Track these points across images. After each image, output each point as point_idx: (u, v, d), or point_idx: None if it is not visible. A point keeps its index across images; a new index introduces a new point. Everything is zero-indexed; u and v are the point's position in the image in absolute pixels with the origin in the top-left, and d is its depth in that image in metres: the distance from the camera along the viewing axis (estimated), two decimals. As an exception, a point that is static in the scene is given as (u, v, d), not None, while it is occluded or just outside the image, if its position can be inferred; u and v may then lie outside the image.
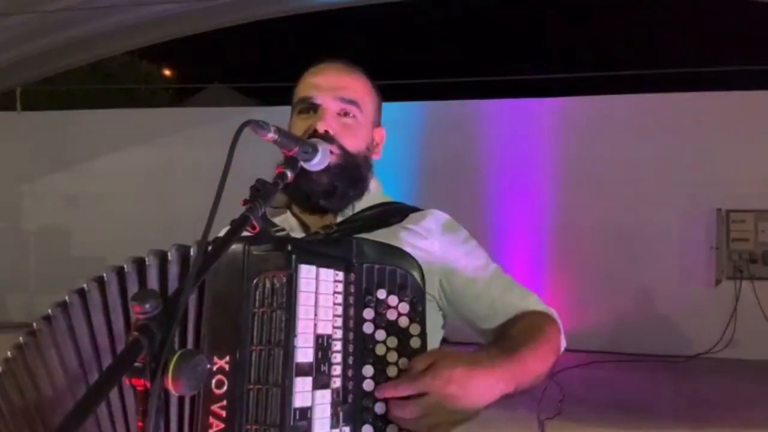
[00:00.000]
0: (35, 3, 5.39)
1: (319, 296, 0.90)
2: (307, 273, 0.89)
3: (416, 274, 0.98)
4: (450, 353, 0.94)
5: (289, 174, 0.98)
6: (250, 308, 0.88)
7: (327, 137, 1.14)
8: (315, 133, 1.14)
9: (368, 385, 0.92)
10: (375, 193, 1.26)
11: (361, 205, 1.22)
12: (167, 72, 19.96)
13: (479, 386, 0.91)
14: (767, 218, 5.71)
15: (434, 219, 1.21)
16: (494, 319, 1.15)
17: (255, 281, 0.88)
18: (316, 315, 0.90)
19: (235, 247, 0.89)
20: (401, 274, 0.97)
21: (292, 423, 0.84)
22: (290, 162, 1.00)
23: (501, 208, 6.07)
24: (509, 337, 1.07)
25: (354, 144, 1.18)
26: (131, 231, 5.47)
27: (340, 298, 0.94)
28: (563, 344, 1.16)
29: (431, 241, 1.16)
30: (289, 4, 6.26)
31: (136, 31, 6.35)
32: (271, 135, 0.97)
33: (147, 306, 0.70)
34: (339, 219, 1.20)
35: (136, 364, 0.67)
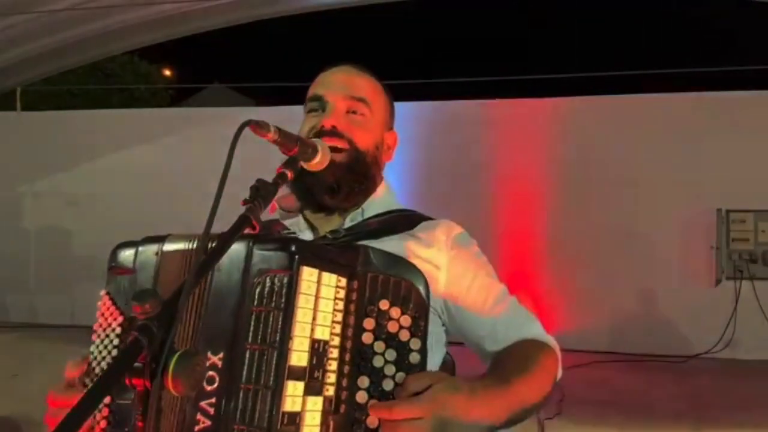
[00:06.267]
0: (35, 3, 5.39)
1: (320, 300, 0.89)
2: (308, 275, 0.87)
3: (422, 289, 0.95)
4: (447, 377, 0.92)
5: (289, 174, 0.98)
6: (248, 306, 0.86)
7: (335, 132, 1.13)
8: (322, 129, 1.14)
9: (362, 396, 0.90)
10: (387, 200, 1.24)
11: (371, 210, 1.20)
12: (167, 72, 19.98)
13: (474, 416, 0.90)
14: (767, 218, 5.71)
15: (445, 230, 1.17)
16: (494, 342, 1.12)
17: (256, 279, 0.87)
18: (314, 319, 0.88)
19: (239, 244, 0.88)
20: (406, 286, 0.95)
21: (279, 427, 0.82)
22: (290, 162, 1.00)
23: (501, 207, 6.07)
24: (506, 367, 1.04)
25: (363, 141, 1.17)
26: (131, 231, 5.46)
27: (341, 305, 0.91)
28: (560, 373, 1.13)
29: (439, 253, 1.13)
30: (289, 4, 6.26)
31: (136, 31, 6.35)
32: (271, 135, 0.96)
33: (147, 306, 0.70)
34: (348, 223, 1.18)
35: (136, 364, 0.67)
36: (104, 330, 1.04)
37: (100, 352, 1.03)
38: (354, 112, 1.17)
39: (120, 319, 1.03)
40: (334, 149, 1.11)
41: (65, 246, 7.07)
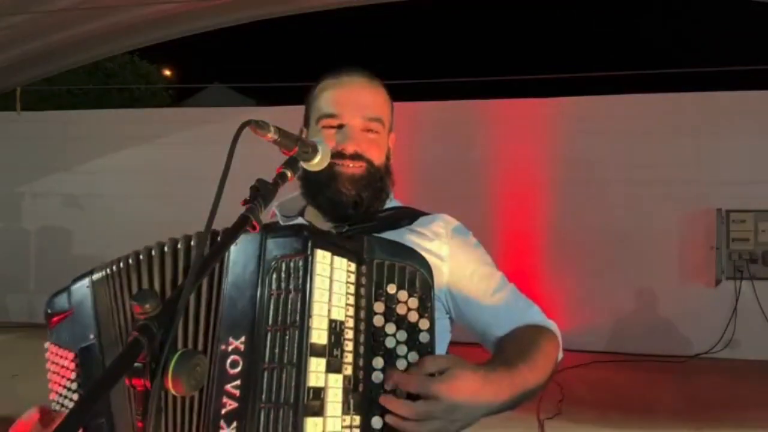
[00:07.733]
0: (35, 3, 5.39)
1: (334, 282, 0.92)
2: (322, 258, 0.91)
3: (425, 272, 0.99)
4: (462, 361, 0.95)
5: (289, 174, 0.99)
6: (267, 291, 0.90)
7: (356, 156, 1.20)
8: (343, 153, 1.19)
9: (377, 377, 0.93)
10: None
11: None
12: (167, 72, 20.00)
13: (483, 399, 0.93)
14: (767, 218, 5.71)
15: (443, 223, 1.23)
16: (496, 329, 1.16)
17: (272, 265, 0.90)
18: (330, 300, 0.91)
19: (251, 236, 0.91)
20: (410, 270, 0.98)
21: (305, 401, 0.85)
22: (290, 162, 1.01)
23: (501, 207, 6.07)
24: (510, 352, 1.08)
25: (378, 157, 1.24)
26: (131, 231, 5.46)
27: (352, 288, 0.95)
28: (560, 356, 1.17)
29: (439, 245, 1.18)
30: (289, 4, 6.25)
31: (136, 31, 6.35)
32: (271, 135, 0.97)
33: (147, 306, 0.70)
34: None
35: (136, 364, 0.67)
36: (58, 373, 1.06)
37: (60, 393, 1.06)
38: (369, 131, 1.23)
39: (71, 355, 1.06)
40: (353, 168, 1.20)
41: (65, 246, 7.08)
